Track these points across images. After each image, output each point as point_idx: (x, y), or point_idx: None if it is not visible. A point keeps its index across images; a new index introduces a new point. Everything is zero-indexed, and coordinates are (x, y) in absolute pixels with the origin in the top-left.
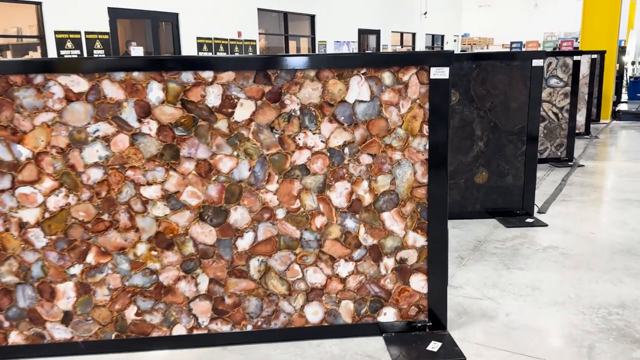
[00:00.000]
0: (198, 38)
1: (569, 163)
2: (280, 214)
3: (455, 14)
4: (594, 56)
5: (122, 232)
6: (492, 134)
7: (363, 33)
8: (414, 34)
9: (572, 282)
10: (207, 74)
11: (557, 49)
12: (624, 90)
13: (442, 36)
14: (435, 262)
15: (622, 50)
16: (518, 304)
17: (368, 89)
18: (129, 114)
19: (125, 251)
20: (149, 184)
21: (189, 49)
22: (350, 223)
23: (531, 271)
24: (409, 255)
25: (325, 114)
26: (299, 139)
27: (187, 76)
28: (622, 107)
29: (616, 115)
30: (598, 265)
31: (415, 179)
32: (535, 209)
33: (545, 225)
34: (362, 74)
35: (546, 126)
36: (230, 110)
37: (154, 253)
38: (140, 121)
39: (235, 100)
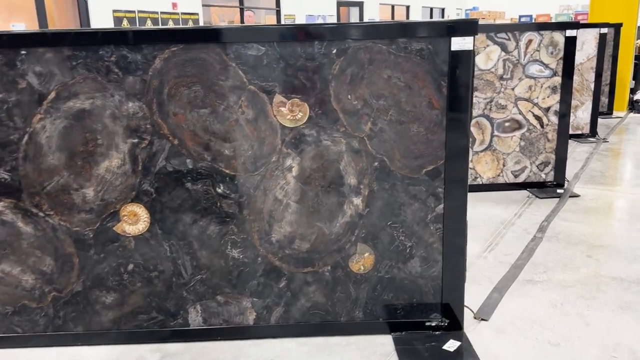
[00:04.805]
0: (115, 11)
1: (558, 190)
2: None
3: None
4: (604, 30)
5: None
6: (377, 182)
7: (343, 5)
8: (407, 7)
9: None
10: None
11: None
12: None
13: (443, 10)
14: None
15: None
16: None
17: None
18: None
19: None
20: None
21: (102, 25)
22: None
23: None
24: None
25: None
26: None
27: None
28: None
29: (634, 106)
30: None
31: None
32: (470, 315)
33: None
34: None
35: (524, 136)
36: None
37: None
38: None
39: None
